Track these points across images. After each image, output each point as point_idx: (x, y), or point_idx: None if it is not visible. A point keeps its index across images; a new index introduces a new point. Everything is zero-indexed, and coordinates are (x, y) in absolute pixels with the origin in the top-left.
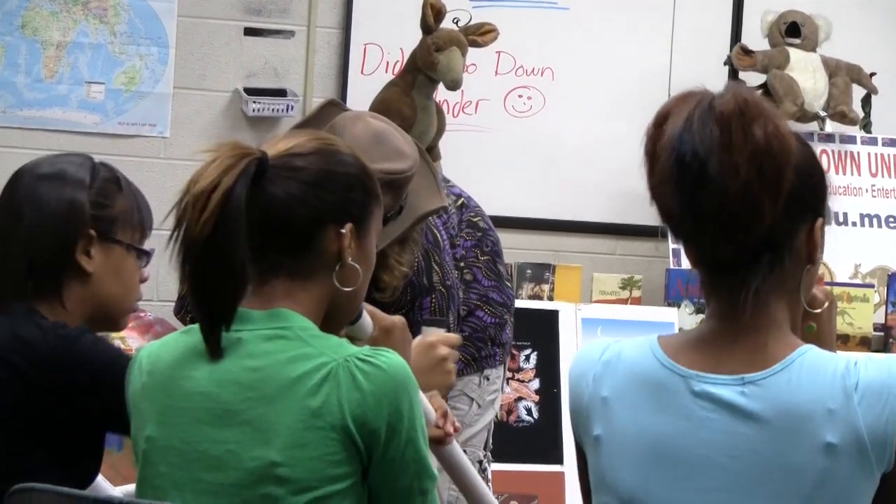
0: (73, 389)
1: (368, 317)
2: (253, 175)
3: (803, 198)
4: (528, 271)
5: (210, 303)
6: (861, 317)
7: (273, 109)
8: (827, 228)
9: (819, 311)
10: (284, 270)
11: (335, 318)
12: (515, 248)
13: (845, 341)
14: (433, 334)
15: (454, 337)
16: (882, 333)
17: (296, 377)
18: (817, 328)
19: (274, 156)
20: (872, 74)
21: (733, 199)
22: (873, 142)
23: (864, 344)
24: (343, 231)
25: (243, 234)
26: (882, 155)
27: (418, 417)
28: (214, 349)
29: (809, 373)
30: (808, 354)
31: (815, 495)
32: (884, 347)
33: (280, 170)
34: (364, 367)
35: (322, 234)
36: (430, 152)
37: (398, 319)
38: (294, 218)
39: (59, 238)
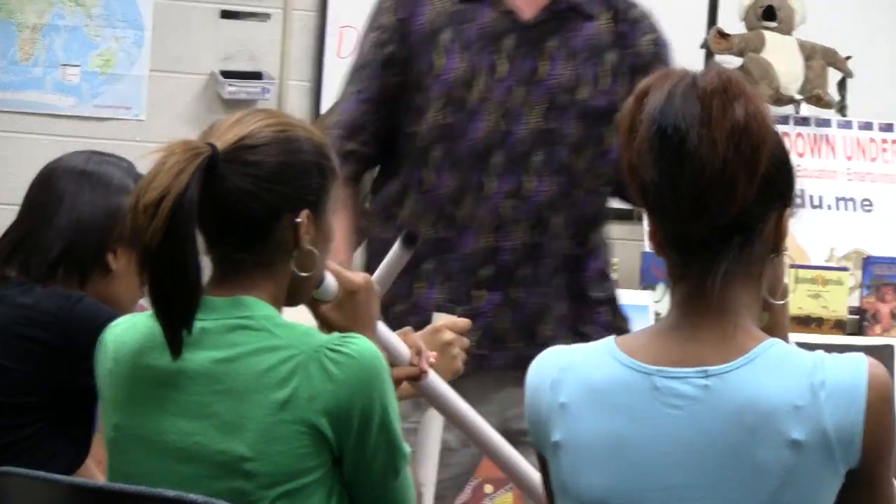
0: (73, 350)
1: (332, 279)
2: (204, 172)
3: (776, 183)
4: None
5: (168, 307)
6: (836, 300)
7: (249, 92)
8: (802, 212)
9: (780, 302)
10: (243, 262)
11: (297, 295)
12: None
13: (820, 325)
14: (440, 318)
15: (461, 321)
16: (857, 317)
17: (263, 370)
18: (774, 320)
19: (226, 148)
20: (848, 58)
21: (710, 174)
22: (848, 125)
23: (839, 327)
24: (299, 219)
25: (195, 239)
26: (857, 138)
27: (391, 401)
28: (175, 349)
29: (775, 368)
30: (774, 349)
31: (781, 491)
32: (858, 331)
33: (232, 164)
34: (334, 356)
35: (278, 224)
36: None
37: (363, 278)
38: (248, 213)
39: (98, 236)
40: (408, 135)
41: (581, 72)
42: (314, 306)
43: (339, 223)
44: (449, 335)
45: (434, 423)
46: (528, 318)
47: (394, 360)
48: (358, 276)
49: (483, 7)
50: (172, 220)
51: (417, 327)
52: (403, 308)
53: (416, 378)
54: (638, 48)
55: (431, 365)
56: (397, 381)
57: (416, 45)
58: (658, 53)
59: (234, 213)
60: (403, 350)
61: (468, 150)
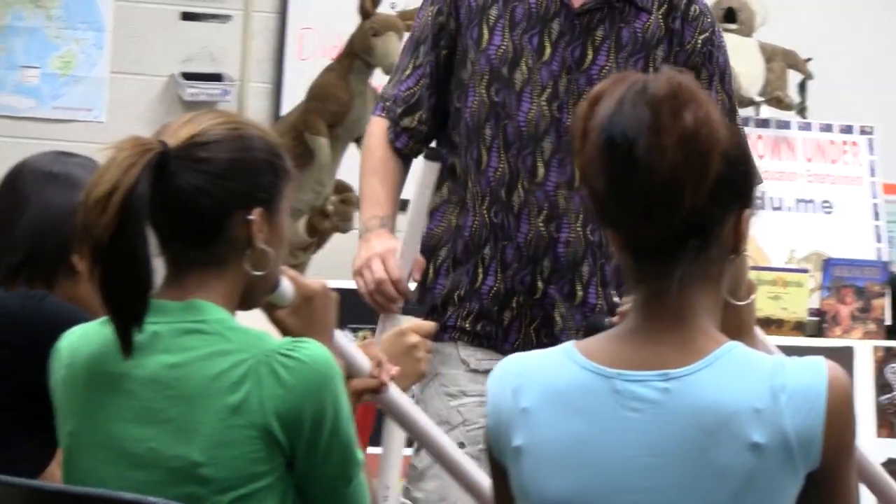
0: (38, 351)
1: (289, 284)
2: (155, 169)
3: (732, 184)
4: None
5: (119, 303)
6: (796, 302)
7: (210, 94)
8: (762, 213)
9: (742, 303)
10: (196, 261)
11: (251, 297)
12: None
13: (780, 326)
14: (406, 321)
15: (427, 324)
16: (817, 318)
17: (215, 374)
18: (740, 319)
19: (177, 145)
20: (808, 60)
21: (659, 182)
22: (808, 127)
23: (799, 329)
24: (252, 217)
25: (146, 235)
26: (817, 140)
27: (343, 407)
28: (127, 348)
29: (736, 371)
30: (734, 352)
31: (742, 494)
32: (818, 332)
33: (184, 161)
34: (285, 361)
35: (230, 222)
36: None
37: (320, 285)
38: (200, 210)
39: (62, 238)
40: (457, 109)
41: (626, 65)
42: (270, 311)
43: (385, 180)
44: (414, 338)
45: (398, 428)
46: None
47: (354, 372)
48: (315, 283)
49: None
50: (123, 215)
51: (481, 316)
52: (462, 293)
53: (377, 390)
54: (689, 46)
55: (393, 377)
56: (357, 393)
57: (467, 17)
58: (711, 53)
59: (186, 210)
60: (363, 361)
61: (518, 131)
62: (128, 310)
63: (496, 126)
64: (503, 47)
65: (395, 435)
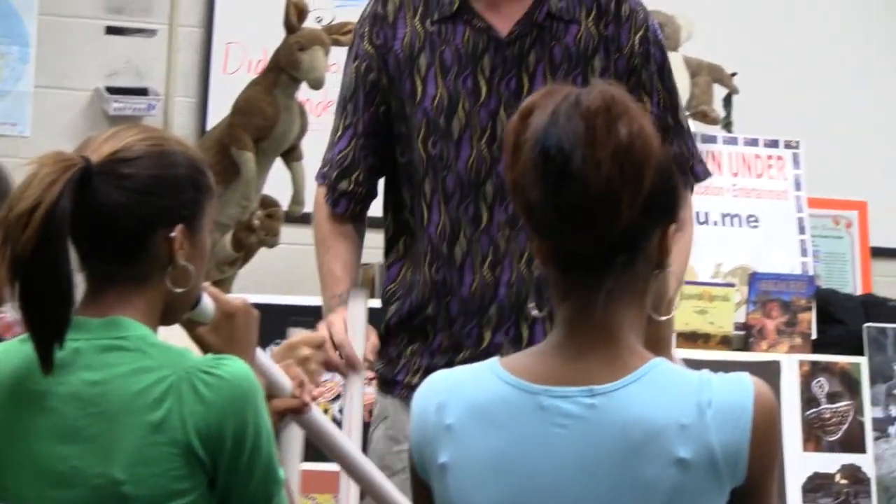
0: None
1: (210, 300)
2: (77, 185)
3: (660, 200)
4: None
5: (40, 319)
6: (722, 316)
7: (135, 108)
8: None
9: (664, 318)
10: (116, 278)
11: (172, 314)
12: (378, 248)
13: (706, 340)
14: (297, 334)
15: (317, 336)
16: (743, 332)
17: (136, 392)
18: (658, 334)
19: (100, 161)
20: (734, 74)
21: (594, 194)
22: (734, 141)
23: (725, 343)
24: (173, 234)
25: (68, 251)
26: (743, 154)
27: (264, 425)
28: (46, 365)
29: (662, 387)
30: (660, 368)
31: None
32: (744, 346)
33: (106, 177)
34: (206, 378)
35: (151, 239)
36: (293, 152)
37: (241, 302)
38: (121, 226)
39: None
40: (401, 164)
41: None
42: (190, 328)
43: (337, 255)
44: (306, 351)
45: (295, 440)
46: None
47: (275, 391)
48: (237, 300)
49: (458, 25)
50: (45, 231)
51: (429, 371)
52: (414, 349)
53: (298, 410)
54: (627, 50)
55: (313, 397)
56: (279, 413)
57: (396, 71)
58: (648, 52)
59: (107, 226)
60: (285, 381)
61: (457, 182)
62: (49, 326)
63: (434, 180)
64: (438, 97)
65: (293, 446)
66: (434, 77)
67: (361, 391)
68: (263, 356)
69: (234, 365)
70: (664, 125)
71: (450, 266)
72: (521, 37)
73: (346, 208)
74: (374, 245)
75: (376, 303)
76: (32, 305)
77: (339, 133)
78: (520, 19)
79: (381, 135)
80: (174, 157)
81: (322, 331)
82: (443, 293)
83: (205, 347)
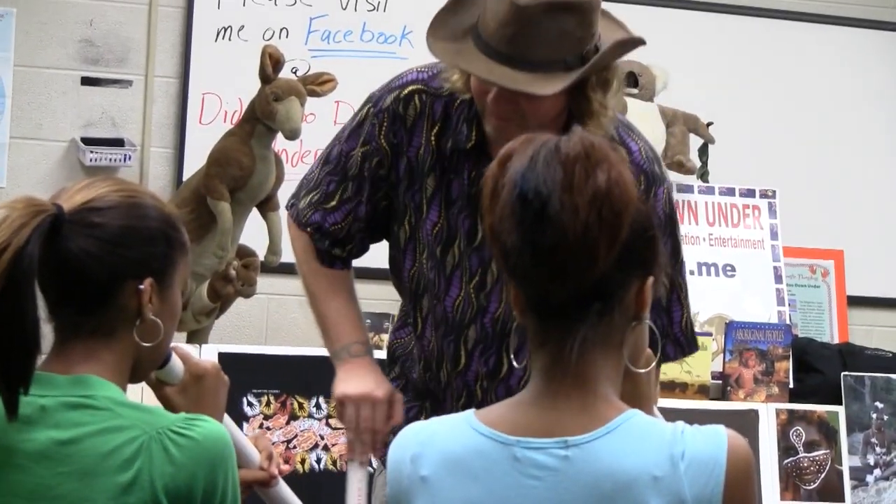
0: None
1: (179, 361)
2: (48, 231)
3: (638, 251)
4: (368, 321)
5: (5, 363)
6: (699, 365)
7: (111, 159)
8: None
9: (642, 371)
10: (84, 329)
11: (139, 370)
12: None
13: (684, 389)
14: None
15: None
16: (720, 381)
17: (107, 451)
18: (637, 389)
19: (72, 209)
20: (709, 124)
21: (571, 240)
22: (710, 191)
23: (703, 392)
24: (142, 287)
25: (34, 295)
26: (719, 204)
27: (233, 488)
28: (12, 411)
29: (636, 439)
30: (635, 420)
31: None
32: (722, 395)
33: (77, 225)
34: (178, 439)
35: (120, 290)
36: (269, 202)
37: (211, 365)
38: (90, 275)
39: None
40: (394, 257)
41: None
42: (158, 388)
43: (351, 307)
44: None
45: None
46: None
47: (242, 462)
48: (207, 363)
49: (468, 160)
50: (11, 274)
51: None
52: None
53: (266, 483)
54: None
55: (281, 472)
56: (245, 484)
57: (407, 178)
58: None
59: (75, 274)
60: (253, 452)
61: (445, 315)
62: (14, 370)
63: (430, 303)
64: (439, 225)
65: None
66: (438, 204)
67: (365, 482)
68: (231, 424)
69: (207, 427)
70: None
71: (437, 383)
72: None
73: (342, 268)
74: None
75: None
76: None
77: (334, 203)
78: None
79: (376, 224)
80: (147, 209)
81: (379, 411)
82: (433, 403)
83: (171, 409)
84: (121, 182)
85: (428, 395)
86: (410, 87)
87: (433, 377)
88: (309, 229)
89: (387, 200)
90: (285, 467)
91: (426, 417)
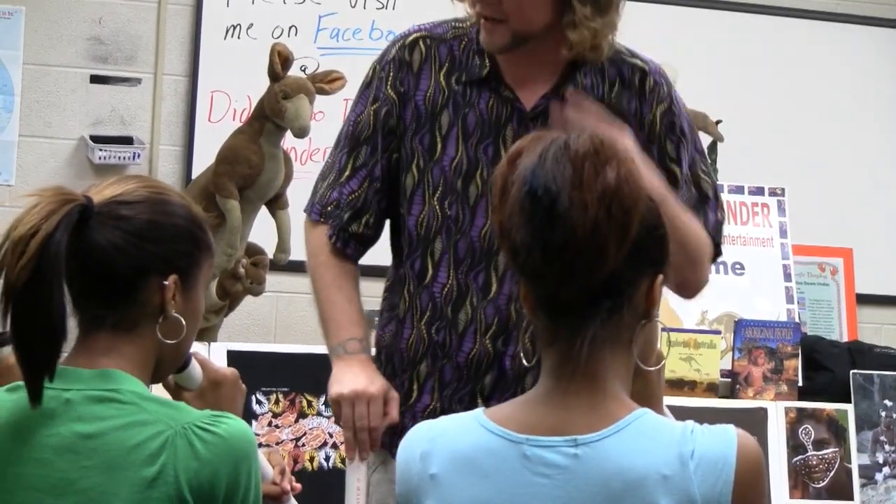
0: None
1: (198, 366)
2: (76, 221)
3: (647, 248)
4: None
5: (31, 350)
6: (708, 363)
7: (120, 157)
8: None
9: (651, 369)
10: (106, 322)
11: (159, 369)
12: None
13: (692, 388)
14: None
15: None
16: (729, 380)
17: (132, 446)
18: (647, 387)
19: (100, 202)
20: (719, 122)
21: (581, 236)
22: (719, 189)
23: (711, 390)
24: (167, 283)
25: (62, 282)
26: (728, 202)
27: (255, 487)
28: (35, 398)
29: (645, 437)
30: (644, 418)
31: None
32: (731, 394)
33: (105, 217)
34: (203, 435)
35: (144, 285)
36: (278, 200)
37: (230, 372)
38: (114, 267)
39: None
40: (403, 216)
41: None
42: (176, 393)
43: (352, 303)
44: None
45: None
46: None
47: None
48: (226, 370)
49: (484, 91)
50: (40, 259)
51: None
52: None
53: (277, 499)
54: (648, 123)
55: (294, 488)
56: None
57: (414, 122)
58: (672, 123)
59: (101, 266)
60: (267, 466)
61: (471, 247)
62: (39, 357)
63: (447, 241)
64: (458, 159)
65: None
66: (455, 138)
67: (364, 481)
68: None
69: (233, 424)
70: (690, 196)
71: (452, 329)
72: (545, 112)
73: (355, 251)
74: None
75: None
76: (23, 335)
77: (348, 173)
78: (545, 94)
79: (389, 182)
80: (174, 207)
81: (374, 407)
82: (440, 355)
83: None
84: (150, 180)
85: (424, 357)
86: (414, 35)
87: (448, 323)
88: (329, 208)
89: (396, 153)
90: (298, 487)
91: (419, 384)
